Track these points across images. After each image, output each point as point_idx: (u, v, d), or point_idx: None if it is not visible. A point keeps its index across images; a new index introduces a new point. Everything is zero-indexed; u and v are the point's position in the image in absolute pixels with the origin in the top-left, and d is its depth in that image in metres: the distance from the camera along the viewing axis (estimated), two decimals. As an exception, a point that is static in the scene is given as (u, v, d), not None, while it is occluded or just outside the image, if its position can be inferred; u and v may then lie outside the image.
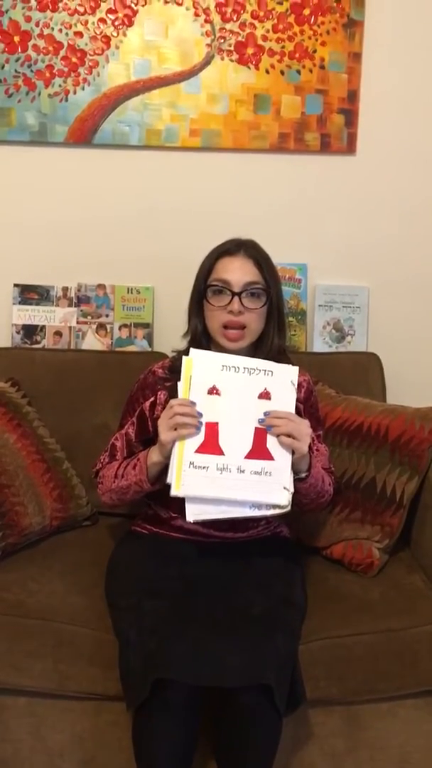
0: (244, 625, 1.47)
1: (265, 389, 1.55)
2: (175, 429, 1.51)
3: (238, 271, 1.65)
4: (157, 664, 1.39)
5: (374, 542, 1.80)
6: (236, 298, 1.63)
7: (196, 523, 1.57)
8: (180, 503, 1.53)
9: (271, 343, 1.70)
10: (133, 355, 2.21)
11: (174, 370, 1.67)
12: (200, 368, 1.55)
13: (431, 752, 1.70)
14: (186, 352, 1.59)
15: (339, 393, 2.03)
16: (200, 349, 1.60)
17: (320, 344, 2.29)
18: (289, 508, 1.53)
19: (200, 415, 1.52)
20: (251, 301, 1.65)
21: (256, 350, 1.69)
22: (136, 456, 1.66)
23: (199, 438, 1.52)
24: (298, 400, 1.62)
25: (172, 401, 1.55)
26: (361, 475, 1.84)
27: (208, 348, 1.69)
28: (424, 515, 1.85)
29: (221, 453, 1.51)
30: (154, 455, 1.59)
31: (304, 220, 2.27)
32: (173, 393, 1.59)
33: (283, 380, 1.57)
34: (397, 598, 1.71)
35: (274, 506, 1.52)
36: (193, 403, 1.52)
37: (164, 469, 1.59)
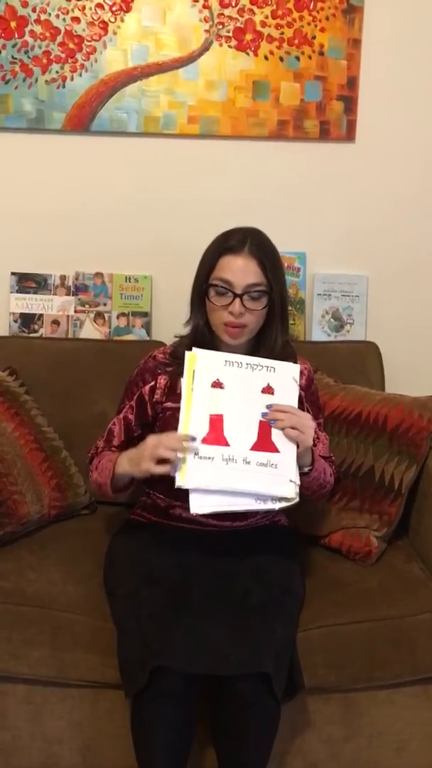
0: (242, 613, 1.48)
1: (268, 384, 1.56)
2: (156, 462, 1.50)
3: (240, 273, 1.61)
4: (156, 653, 1.39)
5: (372, 531, 1.80)
6: (237, 300, 1.61)
7: (199, 515, 1.56)
8: (181, 492, 1.53)
9: (274, 341, 1.68)
10: (132, 344, 2.20)
11: (176, 356, 1.66)
12: (203, 363, 1.55)
13: (428, 739, 1.71)
14: (188, 340, 1.59)
15: (338, 382, 2.03)
16: (202, 349, 1.59)
17: (319, 333, 2.29)
18: (297, 500, 1.53)
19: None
20: (253, 303, 1.63)
21: (258, 347, 1.68)
22: (118, 452, 1.67)
23: (204, 429, 1.51)
24: (299, 387, 1.62)
25: (168, 434, 1.53)
26: (360, 463, 1.84)
27: (210, 341, 1.68)
28: (422, 504, 1.85)
29: (227, 444, 1.51)
30: (126, 464, 1.59)
31: (303, 208, 2.26)
32: (174, 378, 1.58)
33: (285, 377, 1.58)
34: (395, 587, 1.71)
35: (281, 498, 1.52)
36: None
37: (130, 482, 1.62)
